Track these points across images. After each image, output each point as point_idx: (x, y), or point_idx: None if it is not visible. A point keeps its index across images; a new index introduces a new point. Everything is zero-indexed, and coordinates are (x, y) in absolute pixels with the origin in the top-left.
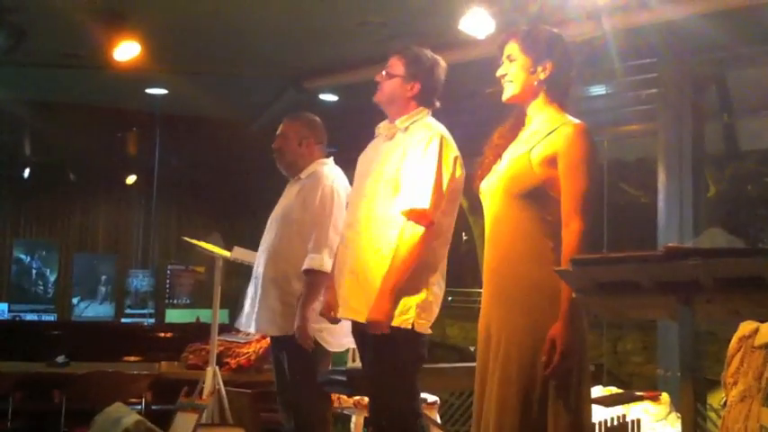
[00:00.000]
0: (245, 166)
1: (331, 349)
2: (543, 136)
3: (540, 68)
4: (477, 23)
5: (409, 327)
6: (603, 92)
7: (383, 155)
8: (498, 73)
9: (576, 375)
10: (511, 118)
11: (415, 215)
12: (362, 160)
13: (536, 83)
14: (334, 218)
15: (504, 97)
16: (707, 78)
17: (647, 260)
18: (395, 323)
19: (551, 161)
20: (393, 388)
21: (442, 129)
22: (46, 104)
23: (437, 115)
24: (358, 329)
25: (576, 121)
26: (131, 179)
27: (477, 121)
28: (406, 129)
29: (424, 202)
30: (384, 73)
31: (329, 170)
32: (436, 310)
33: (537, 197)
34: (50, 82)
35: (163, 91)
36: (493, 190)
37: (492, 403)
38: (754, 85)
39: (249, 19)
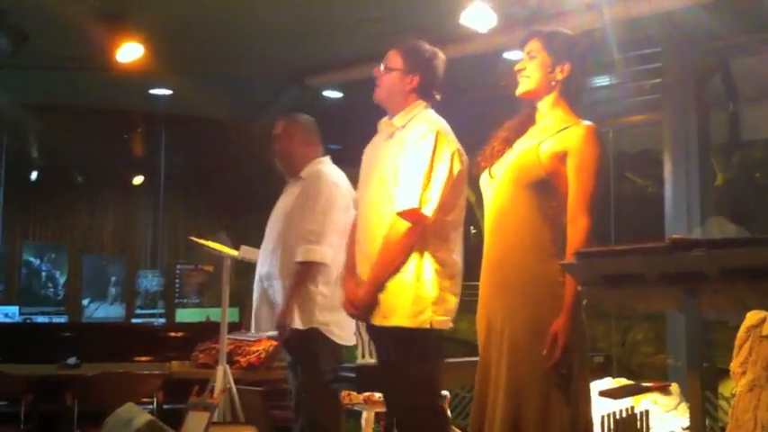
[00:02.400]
0: (251, 165)
1: (341, 342)
2: (554, 132)
3: (558, 68)
4: (478, 17)
5: (428, 326)
6: (607, 83)
7: (383, 156)
8: (517, 67)
9: (576, 369)
10: (521, 114)
11: (405, 215)
12: (365, 160)
13: (553, 82)
14: (336, 216)
15: (519, 91)
16: (711, 67)
17: (651, 252)
18: (413, 325)
19: (560, 156)
20: (415, 388)
21: (440, 123)
22: (51, 107)
23: (438, 109)
24: (375, 331)
25: (588, 122)
26: (138, 180)
27: (478, 114)
28: (404, 126)
29: (413, 201)
30: (382, 67)
31: (329, 168)
32: (453, 303)
33: (542, 189)
34: (54, 85)
35: (167, 92)
36: (499, 180)
37: (500, 392)
38: (759, 73)
39: (250, 18)
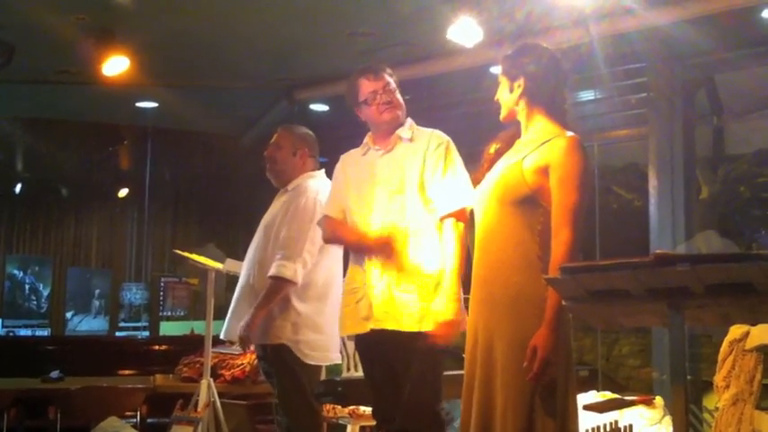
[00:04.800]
0: (238, 178)
1: (310, 362)
2: (536, 146)
3: (515, 85)
4: (464, 32)
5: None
6: (593, 97)
7: (391, 167)
8: (495, 98)
9: (561, 383)
10: (509, 129)
11: (457, 215)
12: (353, 172)
13: (516, 98)
14: (312, 231)
15: (501, 118)
16: (696, 82)
17: (636, 267)
18: (415, 329)
19: (543, 171)
20: (424, 397)
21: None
22: (37, 120)
23: (427, 124)
24: (376, 341)
25: (570, 133)
26: (123, 192)
27: (466, 128)
28: (411, 138)
29: (466, 200)
30: (396, 90)
31: (315, 183)
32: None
33: (527, 205)
34: (41, 98)
35: (153, 104)
36: (485, 197)
37: (493, 408)
38: (743, 88)
39: (238, 32)
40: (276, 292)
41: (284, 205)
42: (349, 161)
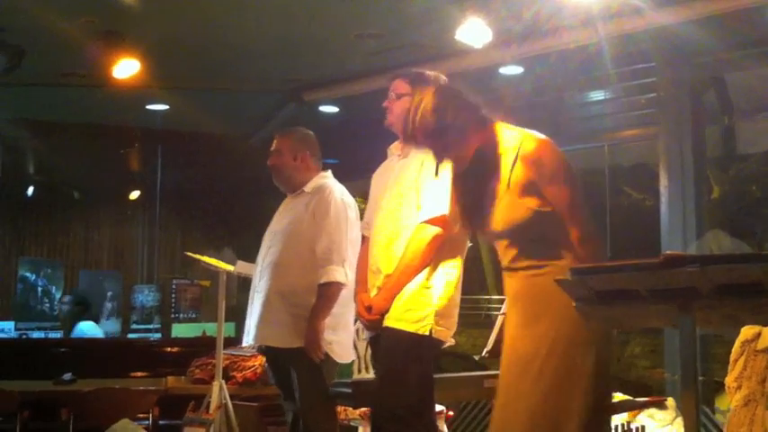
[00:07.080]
0: (248, 180)
1: (340, 361)
2: (509, 168)
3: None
4: (473, 33)
5: (426, 333)
6: (602, 98)
7: (399, 174)
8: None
9: (583, 398)
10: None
11: (435, 222)
12: (377, 179)
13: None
14: (349, 235)
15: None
16: (705, 82)
17: (645, 268)
18: (411, 329)
19: (530, 187)
20: (404, 394)
21: None
22: (47, 123)
23: None
24: (376, 338)
25: (530, 134)
26: (134, 195)
27: None
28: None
29: (442, 208)
30: (393, 95)
31: (334, 183)
32: (456, 316)
33: (537, 219)
34: (51, 101)
35: (164, 107)
36: (494, 229)
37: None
38: (753, 87)
39: (248, 33)
40: (334, 298)
41: (308, 208)
42: (381, 167)
